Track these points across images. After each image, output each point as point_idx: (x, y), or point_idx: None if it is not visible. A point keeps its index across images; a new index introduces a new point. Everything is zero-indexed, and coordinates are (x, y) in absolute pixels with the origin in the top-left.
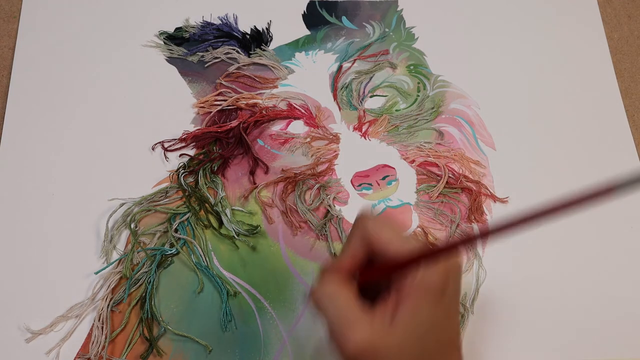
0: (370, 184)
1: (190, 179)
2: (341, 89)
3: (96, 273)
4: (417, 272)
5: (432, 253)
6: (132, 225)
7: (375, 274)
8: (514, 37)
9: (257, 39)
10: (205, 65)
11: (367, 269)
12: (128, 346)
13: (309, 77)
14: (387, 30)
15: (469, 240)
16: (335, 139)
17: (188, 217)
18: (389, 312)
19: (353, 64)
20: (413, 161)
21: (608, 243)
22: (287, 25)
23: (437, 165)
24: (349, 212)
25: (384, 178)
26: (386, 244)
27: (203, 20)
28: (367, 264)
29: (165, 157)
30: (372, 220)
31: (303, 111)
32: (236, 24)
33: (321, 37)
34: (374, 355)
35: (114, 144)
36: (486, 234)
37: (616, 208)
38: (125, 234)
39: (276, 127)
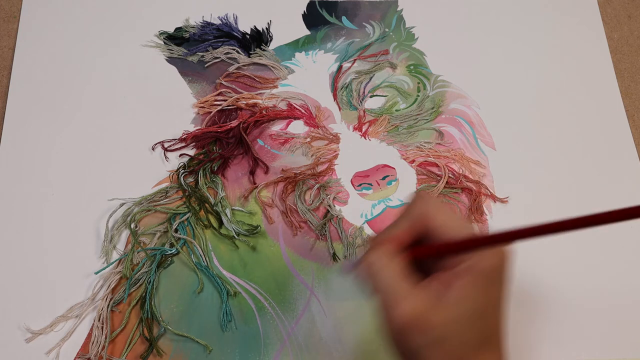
0: (370, 184)
1: (190, 179)
2: (341, 89)
3: (96, 273)
4: (472, 255)
5: (488, 240)
6: (132, 225)
7: (427, 252)
8: (514, 37)
9: (257, 39)
10: (205, 65)
11: (417, 246)
12: (128, 346)
13: (309, 77)
14: (387, 30)
15: (524, 232)
16: (335, 139)
17: (188, 217)
18: (439, 290)
19: (353, 64)
20: (413, 161)
21: (608, 243)
22: (287, 25)
23: (437, 165)
24: (349, 212)
25: (384, 178)
26: (442, 226)
27: (203, 20)
28: (413, 242)
29: (165, 157)
30: (432, 201)
31: (303, 111)
32: (236, 24)
33: (321, 37)
34: (420, 329)
35: (114, 143)
36: (542, 230)
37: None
38: (125, 234)
39: (276, 127)
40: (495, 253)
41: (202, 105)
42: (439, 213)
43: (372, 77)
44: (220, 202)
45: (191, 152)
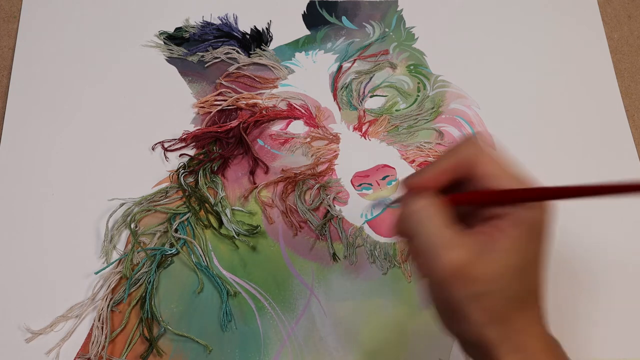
0: (370, 184)
1: (190, 179)
2: (341, 89)
3: (96, 273)
4: (519, 207)
5: (537, 193)
6: (132, 225)
7: (469, 199)
8: (514, 37)
9: (257, 39)
10: (205, 65)
11: (457, 192)
12: (128, 346)
13: (309, 77)
14: (387, 30)
15: (572, 191)
16: (335, 139)
17: (188, 217)
18: (484, 242)
19: (353, 64)
20: (413, 161)
21: (610, 243)
22: (287, 25)
23: None
24: (349, 212)
25: (384, 178)
26: (491, 176)
27: (203, 20)
28: (450, 186)
29: (165, 157)
30: (484, 147)
31: (303, 111)
32: (236, 24)
33: (321, 37)
34: (465, 280)
35: (114, 143)
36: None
37: (617, 211)
38: (125, 234)
39: (276, 127)
40: (540, 206)
41: (202, 105)
42: (490, 161)
43: (372, 77)
44: (220, 202)
45: (191, 152)
